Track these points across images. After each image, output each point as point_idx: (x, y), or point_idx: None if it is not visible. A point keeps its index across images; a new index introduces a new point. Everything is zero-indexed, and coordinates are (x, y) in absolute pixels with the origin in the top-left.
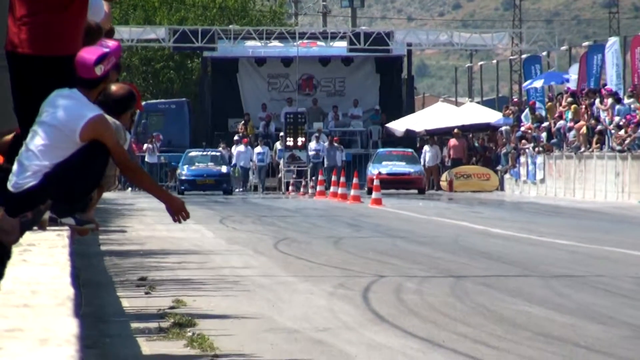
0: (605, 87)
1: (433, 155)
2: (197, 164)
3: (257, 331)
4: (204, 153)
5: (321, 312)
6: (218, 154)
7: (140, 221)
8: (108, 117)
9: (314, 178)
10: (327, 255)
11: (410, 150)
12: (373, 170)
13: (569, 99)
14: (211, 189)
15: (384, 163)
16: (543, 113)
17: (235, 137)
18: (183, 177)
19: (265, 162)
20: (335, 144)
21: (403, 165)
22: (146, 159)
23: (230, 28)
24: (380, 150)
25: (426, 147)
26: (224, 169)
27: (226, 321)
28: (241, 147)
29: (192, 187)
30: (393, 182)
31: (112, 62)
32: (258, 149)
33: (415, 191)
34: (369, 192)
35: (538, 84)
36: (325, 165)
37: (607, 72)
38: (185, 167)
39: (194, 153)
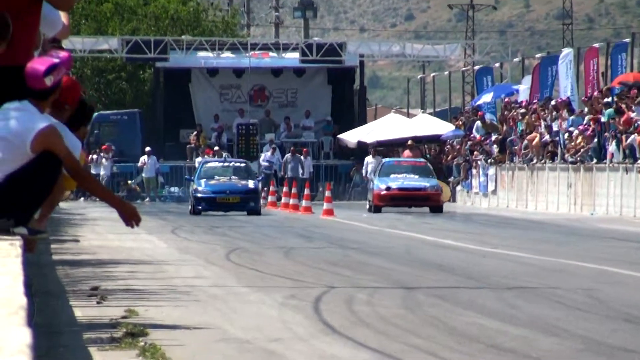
0: (559, 98)
1: (375, 166)
2: (217, 177)
3: (209, 341)
4: (226, 164)
5: (273, 322)
6: (243, 164)
7: (92, 230)
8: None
9: (265, 189)
10: (278, 265)
11: (422, 160)
12: (380, 184)
13: (521, 111)
14: (235, 209)
15: (392, 176)
16: (495, 121)
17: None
18: (199, 195)
19: None
20: (298, 155)
21: (416, 178)
22: (101, 172)
23: (182, 39)
24: (387, 160)
25: (368, 158)
26: (250, 184)
27: (178, 331)
28: (200, 158)
29: (210, 206)
30: (405, 199)
31: (62, 73)
32: (199, 160)
33: (427, 209)
34: (376, 210)
35: (487, 98)
36: (289, 176)
37: (560, 83)
38: (203, 181)
39: (212, 164)
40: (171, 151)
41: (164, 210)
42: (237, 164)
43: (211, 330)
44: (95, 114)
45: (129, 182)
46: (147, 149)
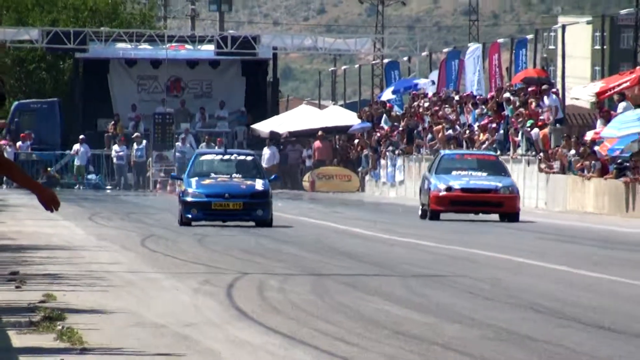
0: (465, 92)
1: (270, 156)
2: (213, 175)
3: (125, 326)
4: (226, 157)
5: (186, 308)
6: (249, 158)
7: (12, 217)
8: None
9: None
10: (192, 252)
11: (492, 153)
12: (439, 183)
13: (426, 104)
14: (236, 218)
15: (454, 173)
16: (399, 112)
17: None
18: (189, 199)
19: (125, 160)
20: (212, 144)
21: (484, 176)
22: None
23: (101, 30)
24: (446, 153)
25: (265, 149)
26: (258, 184)
27: (95, 316)
28: (116, 147)
29: (204, 214)
30: (471, 203)
31: None
32: (116, 147)
33: (497, 216)
34: (433, 215)
35: (387, 95)
36: None
37: (467, 77)
38: (194, 181)
39: (208, 156)
40: (89, 140)
41: (82, 197)
42: (242, 157)
43: (127, 315)
44: (15, 102)
45: (49, 169)
46: (81, 137)
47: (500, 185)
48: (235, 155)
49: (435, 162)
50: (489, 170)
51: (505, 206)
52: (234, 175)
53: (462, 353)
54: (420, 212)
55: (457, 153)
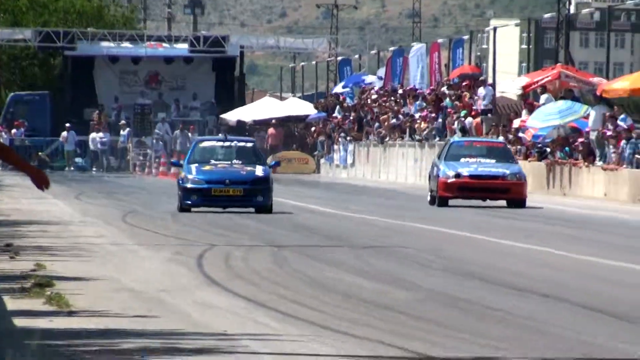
0: (409, 86)
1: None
2: (213, 162)
3: (107, 291)
4: (226, 143)
5: (161, 275)
6: (249, 144)
7: (8, 195)
8: None
9: (157, 160)
10: (167, 226)
11: (501, 141)
12: (447, 170)
13: (374, 96)
14: (237, 204)
15: (462, 160)
16: (350, 103)
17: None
18: (189, 185)
19: (108, 145)
20: (186, 131)
21: (492, 163)
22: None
23: (88, 30)
24: (455, 140)
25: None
26: (259, 170)
27: (80, 282)
28: (93, 134)
29: (204, 200)
30: (479, 189)
31: None
32: (100, 134)
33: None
34: (441, 202)
35: (339, 89)
36: (178, 149)
37: (410, 73)
38: (194, 167)
39: (208, 143)
40: (77, 127)
41: (70, 178)
42: (242, 144)
43: (108, 282)
44: (11, 94)
45: (40, 153)
46: (67, 125)
47: (507, 172)
48: (235, 141)
49: (445, 149)
50: (497, 157)
51: (512, 192)
52: (234, 161)
53: (407, 315)
54: (429, 198)
55: (466, 140)
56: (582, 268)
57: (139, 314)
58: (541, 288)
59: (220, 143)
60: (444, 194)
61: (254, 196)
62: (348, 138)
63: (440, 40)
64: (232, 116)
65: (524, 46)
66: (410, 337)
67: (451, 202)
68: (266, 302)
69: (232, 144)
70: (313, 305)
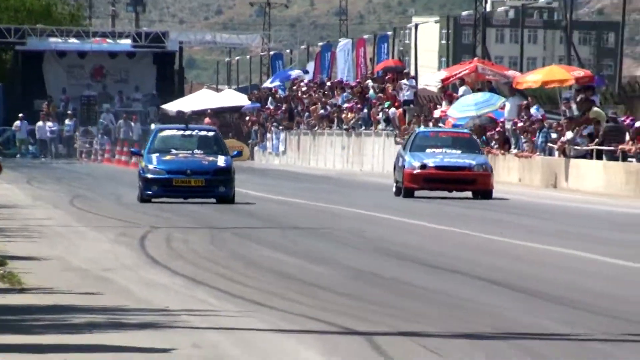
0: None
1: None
2: (174, 151)
3: (56, 270)
4: (187, 132)
5: (106, 255)
6: (211, 134)
7: None
8: None
9: (102, 148)
10: (111, 210)
11: (467, 131)
12: (413, 161)
13: (304, 88)
14: (198, 195)
15: (428, 151)
16: (282, 95)
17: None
18: (149, 175)
19: (57, 134)
20: (129, 121)
21: (458, 154)
22: None
23: (37, 27)
24: (421, 130)
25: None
26: (220, 160)
27: (31, 262)
28: (40, 123)
29: (165, 191)
30: (445, 181)
31: None
32: (49, 124)
33: (470, 193)
34: (407, 193)
35: (267, 84)
36: (121, 137)
37: (338, 66)
38: (154, 157)
39: (169, 132)
40: (27, 117)
41: (21, 165)
42: (203, 133)
43: (57, 261)
44: None
45: None
46: (20, 115)
47: (474, 163)
48: (196, 131)
49: (410, 139)
50: (463, 148)
51: (478, 183)
52: (195, 151)
53: (334, 291)
54: (394, 189)
55: (432, 131)
56: (498, 248)
57: (86, 291)
58: (460, 267)
59: (182, 132)
60: (410, 185)
61: (216, 187)
62: (280, 127)
63: (365, 36)
64: (172, 107)
65: (444, 42)
66: (337, 313)
67: (417, 193)
68: (205, 280)
69: (194, 133)
70: (248, 283)
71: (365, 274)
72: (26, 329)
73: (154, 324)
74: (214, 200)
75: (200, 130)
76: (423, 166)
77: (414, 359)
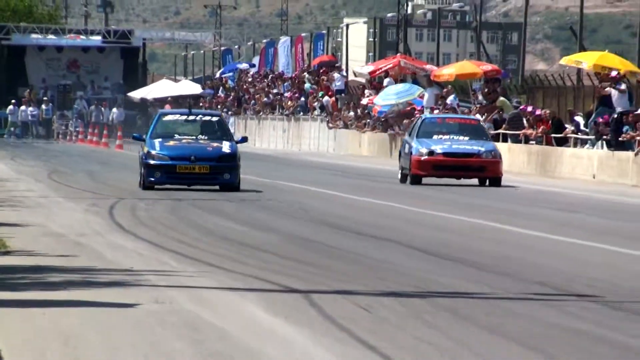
0: (279, 71)
1: (119, 114)
2: (177, 136)
3: (36, 235)
4: (190, 117)
5: (80, 222)
6: (215, 119)
7: None
8: None
9: (76, 129)
10: (84, 183)
11: (474, 118)
12: (420, 147)
13: (250, 79)
14: (202, 182)
15: (435, 137)
16: (232, 85)
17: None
18: (152, 161)
19: (37, 118)
20: (101, 107)
21: (466, 141)
22: None
23: (20, 25)
24: (427, 116)
25: (114, 109)
26: (225, 146)
27: (14, 228)
28: (23, 107)
29: (168, 178)
30: (453, 168)
31: None
32: (30, 109)
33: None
34: (414, 180)
35: (218, 75)
36: (93, 121)
37: (279, 60)
38: (157, 142)
39: (171, 117)
40: (12, 103)
41: (5, 144)
42: (207, 118)
43: (37, 227)
44: None
45: None
46: (13, 101)
47: (482, 149)
48: (200, 115)
49: (416, 125)
50: (470, 135)
51: (487, 171)
52: (199, 136)
53: (266, 251)
54: (399, 176)
55: (439, 117)
56: (427, 220)
57: (63, 253)
58: (390, 236)
59: (185, 117)
60: (418, 172)
61: (221, 174)
62: (229, 113)
63: (303, 35)
64: (136, 94)
65: (371, 39)
66: (278, 273)
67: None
68: (165, 245)
69: (197, 117)
70: (202, 247)
71: (302, 239)
72: (11, 287)
73: (120, 282)
74: (217, 187)
75: (204, 115)
76: (431, 152)
77: (347, 315)
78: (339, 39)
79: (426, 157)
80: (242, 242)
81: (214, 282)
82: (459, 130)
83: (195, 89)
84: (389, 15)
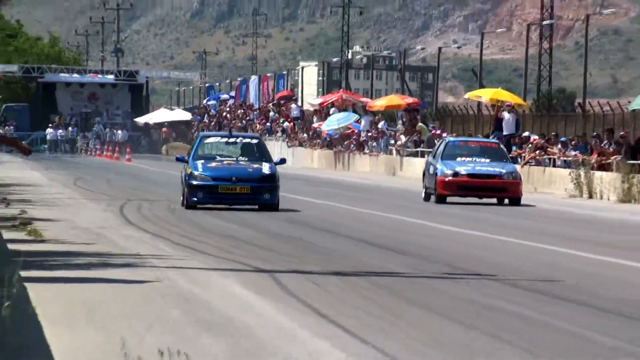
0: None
1: (123, 135)
2: (218, 157)
3: (66, 228)
4: (231, 140)
5: (99, 218)
6: (255, 141)
7: (3, 168)
8: None
9: (95, 147)
10: (103, 188)
11: (495, 141)
12: (445, 169)
13: (227, 109)
14: (243, 202)
15: (459, 159)
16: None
17: (50, 125)
18: (195, 182)
19: (64, 137)
20: (114, 129)
21: (488, 162)
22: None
23: (52, 66)
24: (451, 140)
25: (119, 131)
26: (265, 168)
27: (48, 222)
28: (52, 130)
29: (210, 198)
30: (477, 188)
31: None
32: (60, 132)
33: (496, 200)
34: (439, 199)
35: (204, 102)
36: (107, 140)
37: (251, 94)
38: (200, 163)
39: (213, 139)
40: (45, 126)
41: (40, 158)
42: (247, 140)
43: (66, 222)
44: (4, 105)
45: (22, 142)
46: (50, 124)
47: (504, 171)
48: (240, 138)
49: (440, 148)
50: (491, 157)
51: (509, 191)
52: (239, 158)
53: (254, 245)
54: (423, 195)
55: (462, 140)
56: (376, 220)
57: (85, 241)
58: (352, 233)
59: (226, 139)
60: (443, 192)
61: (261, 194)
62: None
63: (268, 74)
64: (141, 120)
65: (320, 78)
66: (254, 258)
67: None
68: (164, 235)
69: (238, 140)
70: (195, 238)
71: (274, 234)
72: (45, 267)
73: (130, 264)
74: (256, 207)
75: (244, 137)
76: (455, 174)
77: (303, 289)
78: (296, 78)
79: (451, 178)
80: (229, 234)
81: (202, 264)
82: (480, 153)
83: (187, 116)
84: (334, 59)
